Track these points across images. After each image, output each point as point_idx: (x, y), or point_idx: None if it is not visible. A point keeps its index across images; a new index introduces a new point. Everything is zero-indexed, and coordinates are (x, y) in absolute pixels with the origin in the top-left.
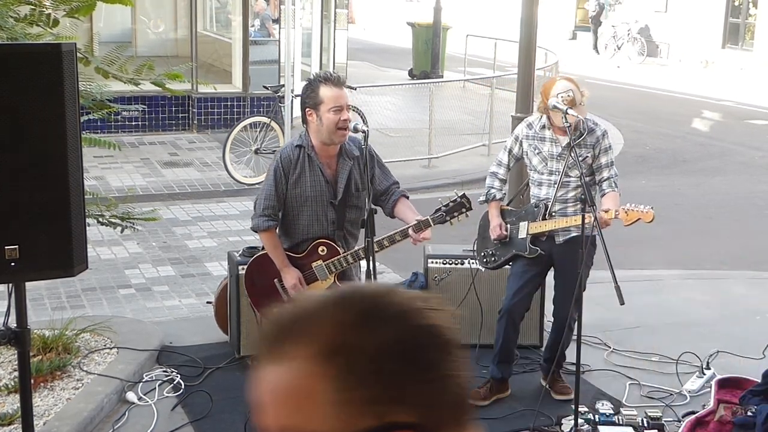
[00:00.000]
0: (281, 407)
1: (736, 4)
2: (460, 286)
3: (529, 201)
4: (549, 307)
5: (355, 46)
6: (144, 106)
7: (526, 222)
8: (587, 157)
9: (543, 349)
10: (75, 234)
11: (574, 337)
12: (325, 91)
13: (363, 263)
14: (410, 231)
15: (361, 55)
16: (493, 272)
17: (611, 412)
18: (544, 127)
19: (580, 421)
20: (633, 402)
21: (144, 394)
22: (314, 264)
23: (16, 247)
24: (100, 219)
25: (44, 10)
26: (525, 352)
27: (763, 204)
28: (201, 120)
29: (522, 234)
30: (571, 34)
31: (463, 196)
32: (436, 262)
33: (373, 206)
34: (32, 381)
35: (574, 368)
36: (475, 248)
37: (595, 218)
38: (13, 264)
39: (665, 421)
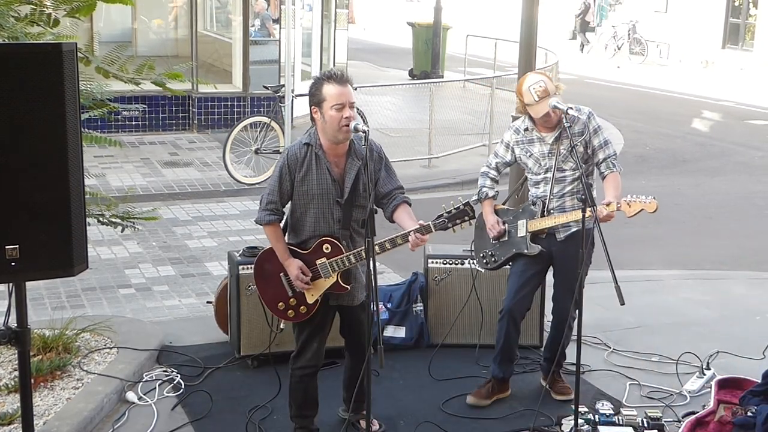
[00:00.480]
0: None
1: (737, 4)
2: (461, 286)
3: (527, 200)
4: (549, 306)
5: (355, 46)
6: (144, 106)
7: (525, 220)
8: (578, 145)
9: (543, 348)
10: (75, 234)
11: (574, 337)
12: (329, 89)
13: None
14: (411, 235)
15: (361, 55)
16: (494, 272)
17: (611, 412)
18: (527, 129)
19: (580, 421)
20: (633, 402)
21: (144, 394)
22: (318, 261)
23: (17, 246)
24: (101, 218)
25: (45, 9)
26: (525, 352)
27: (763, 204)
28: (201, 120)
29: (521, 232)
30: (571, 34)
31: (467, 204)
32: (437, 263)
33: (374, 207)
34: (32, 381)
35: (574, 368)
36: (473, 250)
37: (596, 218)
38: (13, 263)
39: (665, 421)
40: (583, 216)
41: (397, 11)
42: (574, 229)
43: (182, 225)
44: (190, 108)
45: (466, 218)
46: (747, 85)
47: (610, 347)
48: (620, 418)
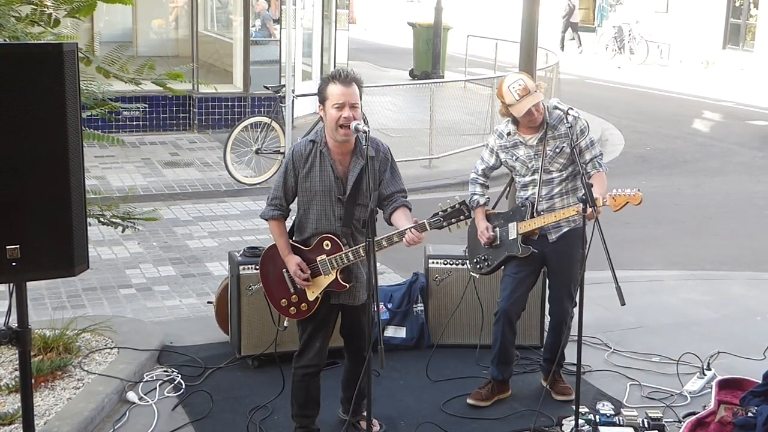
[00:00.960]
0: None
1: (737, 4)
2: (461, 286)
3: (516, 202)
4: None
5: (355, 46)
6: (145, 105)
7: (515, 222)
8: (564, 146)
9: (542, 349)
10: (76, 234)
11: (575, 338)
12: (332, 88)
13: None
14: (408, 233)
15: (361, 56)
16: (494, 272)
17: (612, 412)
18: (510, 133)
19: (580, 421)
20: (633, 403)
21: (144, 394)
22: (318, 258)
23: (17, 246)
24: (101, 218)
25: (45, 9)
26: (525, 352)
27: (764, 204)
28: (202, 120)
29: (512, 235)
30: (571, 34)
31: (463, 203)
32: (437, 263)
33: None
34: (33, 381)
35: (574, 369)
36: (466, 255)
37: (584, 217)
38: (14, 264)
39: (666, 421)
40: (584, 216)
41: (398, 11)
42: (565, 230)
43: (183, 225)
44: (191, 108)
45: (462, 217)
46: (747, 85)
47: (610, 347)
48: (621, 418)
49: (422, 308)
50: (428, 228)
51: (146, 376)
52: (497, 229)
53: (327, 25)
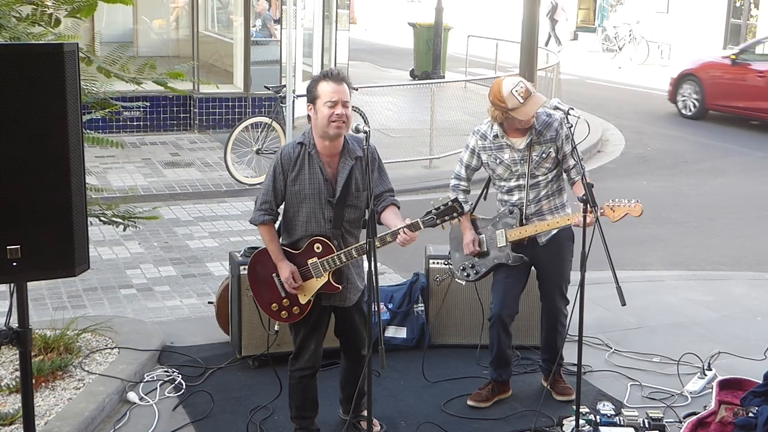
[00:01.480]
0: None
1: (738, 5)
2: (461, 286)
3: (496, 207)
4: None
5: (356, 46)
6: (146, 104)
7: (503, 230)
8: (551, 151)
9: (540, 350)
10: (77, 234)
11: (575, 338)
12: (324, 86)
13: (365, 263)
14: (401, 232)
15: (362, 56)
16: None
17: (612, 412)
18: (497, 136)
19: (581, 421)
20: (634, 403)
21: (145, 394)
22: (309, 261)
23: (18, 246)
24: (102, 217)
25: (46, 9)
26: (526, 352)
27: (764, 205)
28: (202, 120)
29: (501, 243)
30: (572, 34)
31: (455, 200)
32: (438, 263)
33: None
34: (33, 381)
35: (575, 369)
36: (451, 263)
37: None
38: (14, 264)
39: (666, 422)
40: (584, 216)
41: (398, 12)
42: (555, 231)
43: (183, 225)
44: (192, 108)
45: (455, 214)
46: None
47: (611, 348)
48: (621, 418)
49: (423, 308)
50: (422, 227)
51: (147, 376)
52: (484, 236)
53: (327, 25)
